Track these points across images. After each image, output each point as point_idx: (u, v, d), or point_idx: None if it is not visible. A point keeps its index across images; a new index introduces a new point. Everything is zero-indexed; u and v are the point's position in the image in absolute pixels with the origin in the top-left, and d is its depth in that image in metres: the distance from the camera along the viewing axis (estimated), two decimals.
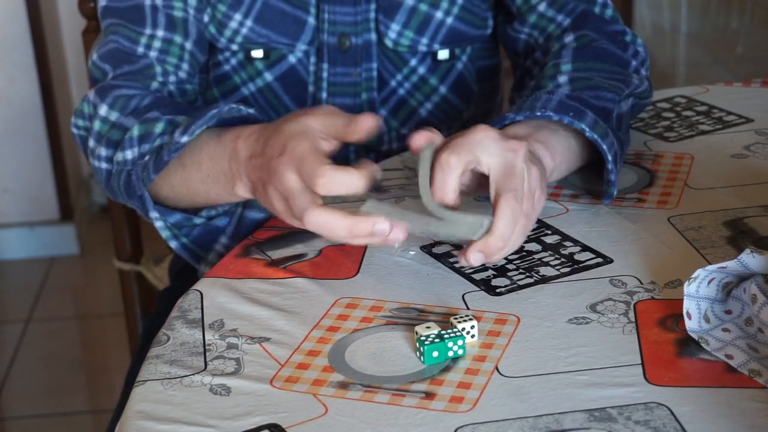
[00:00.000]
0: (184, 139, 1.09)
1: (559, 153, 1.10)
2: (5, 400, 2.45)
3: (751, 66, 3.64)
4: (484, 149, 0.98)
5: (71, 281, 2.95)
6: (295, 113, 1.03)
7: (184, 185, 1.16)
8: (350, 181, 0.95)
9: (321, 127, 1.01)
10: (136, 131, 1.16)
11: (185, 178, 1.15)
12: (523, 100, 1.13)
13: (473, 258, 0.97)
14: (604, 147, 1.09)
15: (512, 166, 0.98)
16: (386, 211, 1.00)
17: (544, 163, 1.06)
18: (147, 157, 1.15)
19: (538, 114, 1.09)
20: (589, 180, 1.18)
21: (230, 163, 1.08)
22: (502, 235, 0.96)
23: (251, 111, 1.12)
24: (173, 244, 1.23)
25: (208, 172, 1.12)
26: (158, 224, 1.21)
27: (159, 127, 1.15)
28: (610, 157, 1.09)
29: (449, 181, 0.98)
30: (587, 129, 1.09)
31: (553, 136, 1.10)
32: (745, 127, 1.30)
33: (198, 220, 1.23)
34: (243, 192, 1.09)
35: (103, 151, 1.20)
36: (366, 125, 1.00)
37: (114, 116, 1.20)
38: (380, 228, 0.95)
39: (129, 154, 1.17)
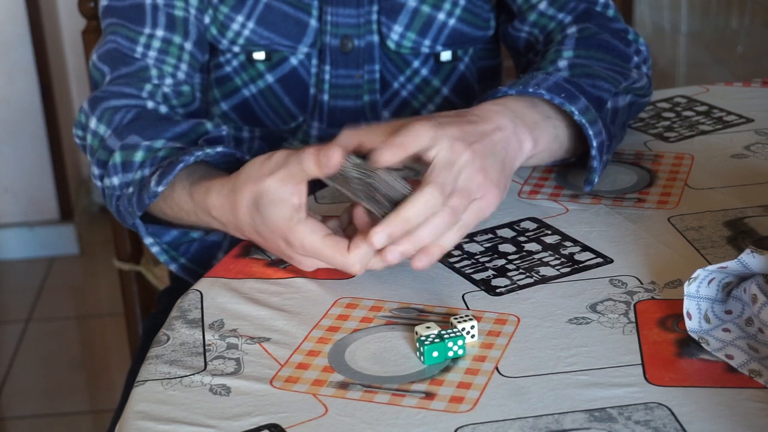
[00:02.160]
0: (159, 189, 1.10)
1: (543, 140, 1.10)
2: (5, 400, 2.45)
3: (751, 66, 3.64)
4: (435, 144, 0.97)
5: (71, 281, 2.95)
6: (254, 176, 0.99)
7: (171, 211, 1.16)
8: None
9: (284, 186, 0.97)
10: (118, 157, 1.17)
11: (172, 206, 1.15)
12: (520, 78, 1.14)
13: (376, 239, 0.94)
14: (591, 133, 1.10)
15: (451, 163, 0.96)
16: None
17: (524, 147, 1.06)
18: (131, 189, 1.15)
19: (531, 90, 1.09)
20: None
21: (209, 218, 1.08)
22: (405, 219, 0.94)
23: (219, 149, 1.11)
24: (172, 266, 1.23)
25: (188, 210, 1.12)
26: (154, 249, 1.21)
27: (139, 156, 1.16)
28: (595, 143, 1.10)
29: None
30: (576, 112, 1.10)
31: (543, 122, 1.10)
32: (745, 127, 1.30)
33: (195, 234, 1.23)
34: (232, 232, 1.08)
35: (95, 170, 1.22)
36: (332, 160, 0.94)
37: (102, 130, 1.21)
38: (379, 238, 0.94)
39: (115, 180, 1.18)
